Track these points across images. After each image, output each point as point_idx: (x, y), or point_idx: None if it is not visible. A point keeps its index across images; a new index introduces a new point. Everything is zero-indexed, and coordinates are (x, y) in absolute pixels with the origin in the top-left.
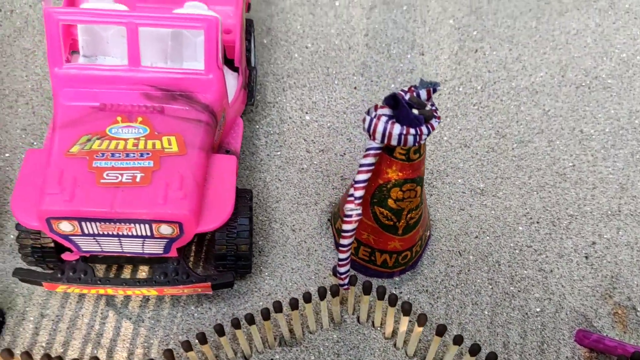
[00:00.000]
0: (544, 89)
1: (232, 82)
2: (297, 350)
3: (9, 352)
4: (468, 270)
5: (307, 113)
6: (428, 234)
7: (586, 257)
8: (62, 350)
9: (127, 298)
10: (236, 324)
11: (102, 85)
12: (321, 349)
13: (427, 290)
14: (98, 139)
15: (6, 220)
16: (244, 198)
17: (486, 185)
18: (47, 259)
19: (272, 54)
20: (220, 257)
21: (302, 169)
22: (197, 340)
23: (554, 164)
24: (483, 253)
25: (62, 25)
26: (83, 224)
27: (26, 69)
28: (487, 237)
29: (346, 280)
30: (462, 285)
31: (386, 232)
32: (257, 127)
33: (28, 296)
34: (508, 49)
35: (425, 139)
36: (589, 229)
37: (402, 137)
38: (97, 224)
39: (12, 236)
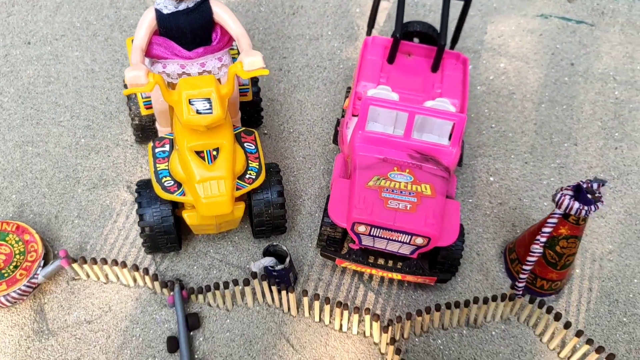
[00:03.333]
0: None
1: None
2: (478, 331)
3: None
4: (589, 300)
5: (490, 176)
6: (571, 272)
7: None
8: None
9: (371, 277)
10: (437, 307)
11: (385, 146)
12: (493, 333)
13: (566, 310)
14: (384, 179)
15: (296, 215)
16: (461, 232)
17: (613, 247)
18: (334, 245)
19: (468, 129)
20: (440, 263)
21: (486, 214)
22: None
23: None
24: (607, 292)
25: (369, 107)
26: (372, 228)
27: (301, 115)
28: (610, 283)
29: (521, 292)
30: (588, 310)
31: (549, 266)
32: (457, 181)
33: (311, 266)
34: None
35: (592, 213)
36: None
37: (579, 210)
38: (381, 230)
39: (300, 225)
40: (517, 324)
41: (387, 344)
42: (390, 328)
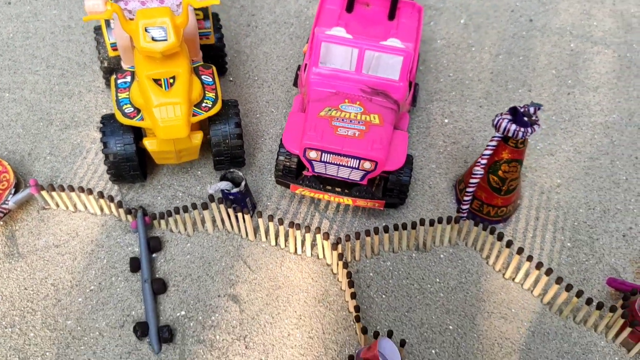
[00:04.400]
0: (614, 126)
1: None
2: (427, 254)
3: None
4: (535, 227)
5: (445, 118)
6: (518, 202)
7: (623, 235)
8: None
9: (326, 206)
10: (385, 229)
11: (337, 81)
12: (441, 255)
13: (512, 237)
14: (335, 110)
15: (258, 152)
16: (409, 161)
17: (562, 181)
18: (289, 175)
19: (425, 77)
20: (389, 190)
21: (439, 152)
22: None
23: (612, 175)
24: (553, 221)
25: (322, 44)
26: (323, 154)
27: (266, 66)
28: (557, 213)
29: (465, 214)
30: (535, 236)
31: (493, 192)
32: (412, 122)
33: (269, 197)
34: (592, 95)
35: (529, 135)
36: (629, 219)
37: (516, 132)
38: (331, 155)
39: (261, 161)
40: (465, 248)
41: (337, 261)
42: (339, 245)
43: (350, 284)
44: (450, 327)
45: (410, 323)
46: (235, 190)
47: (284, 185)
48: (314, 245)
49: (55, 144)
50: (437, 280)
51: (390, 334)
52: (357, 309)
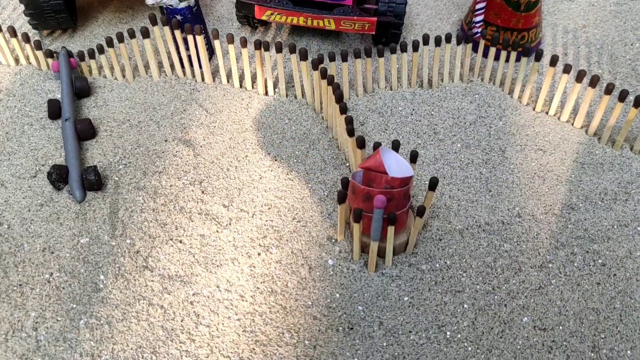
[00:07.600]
0: None
1: None
2: (435, 90)
3: None
4: (564, 62)
5: None
6: (540, 34)
7: None
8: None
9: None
10: (380, 52)
11: None
12: (452, 91)
13: (538, 71)
14: None
15: (216, 3)
16: None
17: (587, 22)
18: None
19: None
20: (381, 13)
21: None
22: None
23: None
24: (586, 56)
25: None
26: None
27: None
28: (588, 49)
29: (479, 30)
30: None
31: (512, 10)
32: None
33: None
34: None
35: None
36: None
37: None
38: None
39: (220, 11)
40: (481, 84)
41: (318, 81)
42: (321, 65)
43: (339, 98)
44: (474, 161)
45: (421, 160)
46: (182, 5)
47: (246, 18)
48: (289, 86)
49: None
50: (451, 116)
51: (396, 145)
52: (349, 120)
